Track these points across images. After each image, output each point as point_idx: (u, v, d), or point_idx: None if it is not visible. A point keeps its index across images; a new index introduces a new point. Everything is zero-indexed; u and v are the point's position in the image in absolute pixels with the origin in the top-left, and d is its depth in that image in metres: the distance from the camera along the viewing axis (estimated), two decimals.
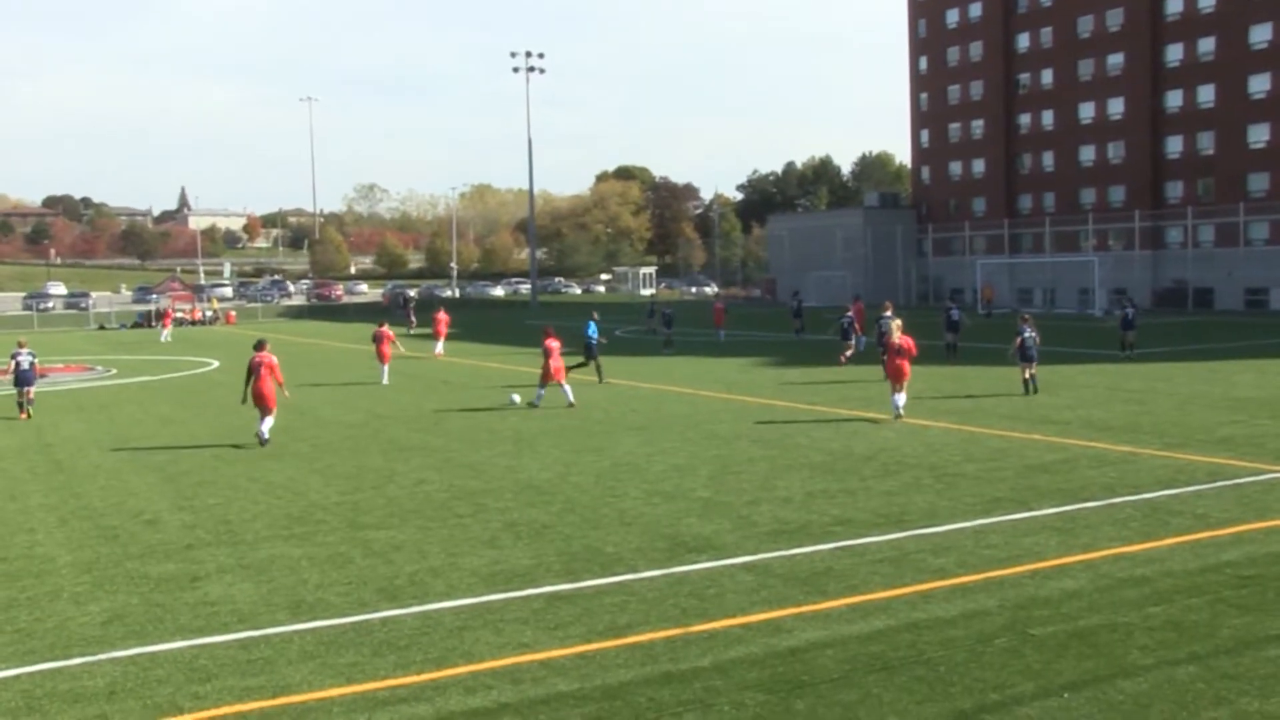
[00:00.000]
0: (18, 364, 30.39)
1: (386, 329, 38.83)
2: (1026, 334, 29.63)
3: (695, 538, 14.55)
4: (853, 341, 41.01)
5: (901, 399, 25.59)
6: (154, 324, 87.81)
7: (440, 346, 48.64)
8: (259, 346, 24.36)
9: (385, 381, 36.83)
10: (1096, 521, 14.90)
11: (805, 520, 15.41)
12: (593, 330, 35.43)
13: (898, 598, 11.71)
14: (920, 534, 14.44)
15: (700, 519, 15.66)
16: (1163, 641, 10.18)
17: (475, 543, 14.61)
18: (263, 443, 23.56)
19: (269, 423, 23.95)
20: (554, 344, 29.13)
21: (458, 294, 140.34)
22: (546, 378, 29.07)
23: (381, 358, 38.01)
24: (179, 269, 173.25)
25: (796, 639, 10.50)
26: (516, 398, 30.01)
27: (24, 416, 29.65)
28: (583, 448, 22.35)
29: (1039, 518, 15.23)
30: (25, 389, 30.19)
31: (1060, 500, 16.28)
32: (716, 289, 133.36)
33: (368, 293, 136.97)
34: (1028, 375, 29.48)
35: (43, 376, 34.37)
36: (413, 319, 70.62)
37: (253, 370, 23.84)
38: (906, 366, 25.80)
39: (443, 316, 49.84)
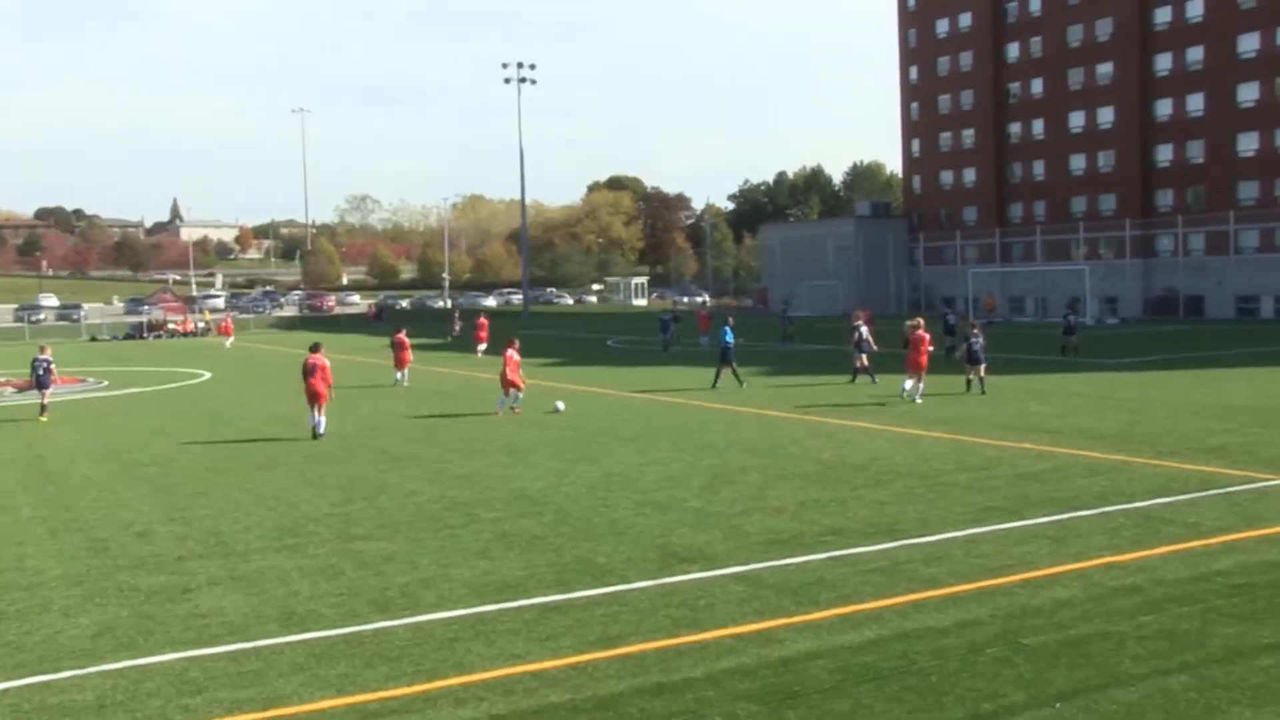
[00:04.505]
0: (34, 368, 33.00)
1: (404, 335, 41.19)
2: (975, 341, 32.36)
3: (687, 548, 14.52)
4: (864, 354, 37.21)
5: (920, 386, 30.63)
6: (146, 335, 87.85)
7: (482, 349, 54.50)
8: (314, 349, 27.22)
9: (405, 384, 39.52)
10: (1088, 530, 14.90)
11: (797, 530, 15.39)
12: (729, 335, 36.34)
13: (889, 607, 11.69)
14: (912, 543, 14.43)
15: (692, 529, 15.63)
16: (1155, 651, 10.17)
17: (467, 554, 14.57)
18: (317, 435, 26.11)
19: (323, 419, 26.65)
20: (512, 354, 30.28)
21: (450, 304, 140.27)
22: (505, 386, 30.16)
23: (399, 363, 40.23)
24: (171, 280, 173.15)
25: (788, 649, 10.48)
26: (560, 405, 30.42)
27: (42, 418, 31.61)
28: (576, 458, 22.33)
29: (1031, 527, 15.22)
30: (42, 391, 32.69)
31: (1052, 509, 16.27)
32: (708, 298, 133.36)
33: (360, 303, 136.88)
34: (976, 377, 32.26)
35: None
36: (456, 326, 75.79)
37: (308, 371, 26.66)
38: (925, 360, 30.73)
39: (484, 321, 57.68)
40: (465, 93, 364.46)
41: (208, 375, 47.55)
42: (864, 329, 36.47)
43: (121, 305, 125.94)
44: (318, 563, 14.32)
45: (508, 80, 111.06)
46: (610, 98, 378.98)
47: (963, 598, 11.97)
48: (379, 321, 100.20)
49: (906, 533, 15.04)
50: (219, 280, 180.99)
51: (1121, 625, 10.90)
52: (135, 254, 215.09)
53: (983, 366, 32.38)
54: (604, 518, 16.58)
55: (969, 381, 32.44)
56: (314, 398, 26.62)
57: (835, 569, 13.28)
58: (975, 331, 32.95)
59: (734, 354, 36.51)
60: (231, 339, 74.02)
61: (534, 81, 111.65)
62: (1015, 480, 18.66)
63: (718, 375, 36.14)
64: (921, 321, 32.65)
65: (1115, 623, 10.99)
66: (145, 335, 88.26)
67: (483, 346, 55.04)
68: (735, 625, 11.24)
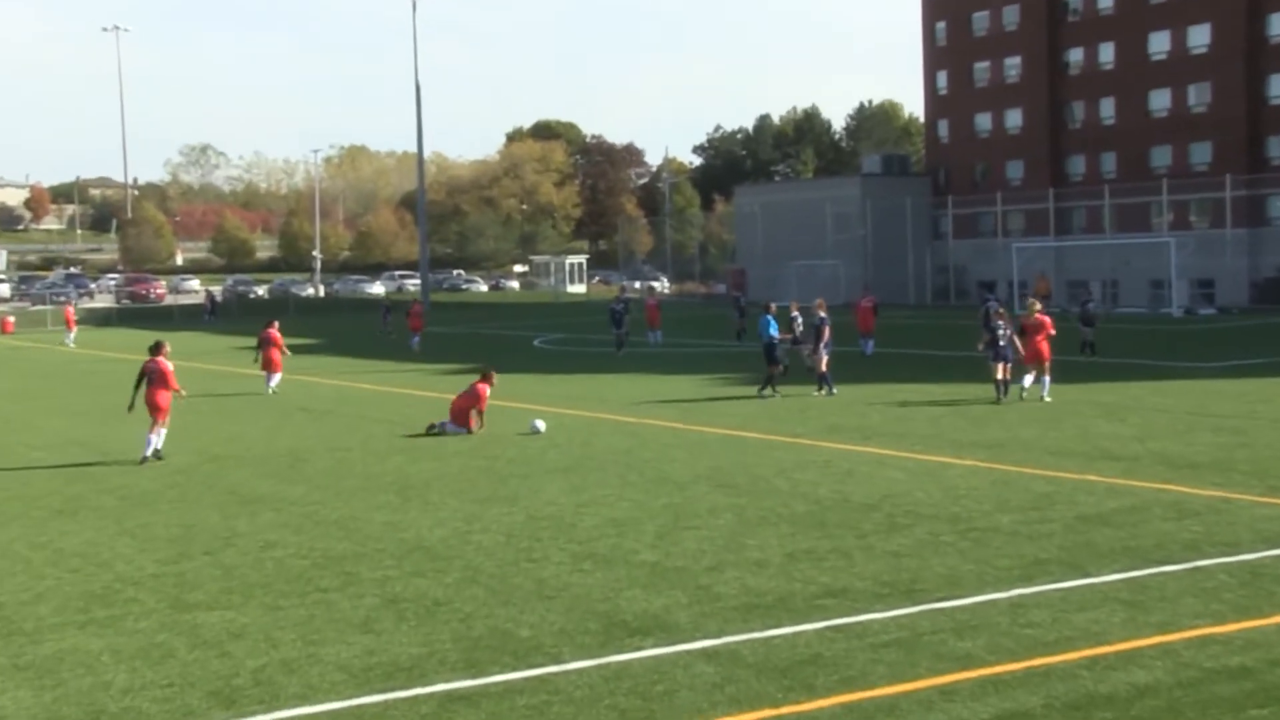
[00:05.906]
0: None
1: (275, 331, 41.64)
2: (1001, 333, 34.32)
3: (639, 616, 14.52)
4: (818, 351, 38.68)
5: (1046, 380, 33.28)
6: None
7: (417, 340, 61.53)
8: (155, 350, 28.28)
9: (274, 390, 40.86)
10: (1176, 592, 14.98)
11: (785, 591, 15.42)
12: (773, 328, 37.34)
13: (908, 694, 11.71)
14: (938, 608, 14.48)
15: (645, 590, 15.64)
16: None
17: (344, 626, 14.50)
18: (157, 458, 27.27)
19: (162, 435, 27.63)
20: (485, 389, 31.37)
21: (322, 292, 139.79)
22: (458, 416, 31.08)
23: (270, 365, 41.04)
24: None
25: None
26: (540, 425, 30.72)
27: None
28: (489, 497, 22.30)
29: (1098, 586, 15.31)
30: None
31: (1126, 563, 16.37)
32: (665, 283, 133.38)
33: (200, 290, 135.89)
34: (1001, 377, 34.02)
35: None
36: (387, 321, 78.85)
37: (145, 375, 27.68)
38: (1047, 348, 33.44)
39: (418, 308, 64.95)
40: (342, 10, 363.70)
41: None
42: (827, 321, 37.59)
43: None
44: (139, 642, 14.18)
45: None
46: (538, 18, 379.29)
47: (1007, 681, 12.00)
48: (213, 317, 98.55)
49: (931, 594, 15.10)
50: (3, 259, 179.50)
51: None
52: None
53: (1005, 366, 33.84)
54: (528, 576, 16.56)
55: (998, 386, 33.72)
56: (155, 412, 27.48)
57: (836, 642, 13.30)
58: (1002, 323, 34.76)
59: (780, 352, 37.41)
60: (74, 333, 75.71)
61: None
62: (1076, 524, 18.77)
63: (774, 380, 36.92)
64: (1039, 305, 35.56)
65: (1215, 717, 11.04)
66: None
67: (417, 338, 61.64)
68: (703, 718, 11.23)
